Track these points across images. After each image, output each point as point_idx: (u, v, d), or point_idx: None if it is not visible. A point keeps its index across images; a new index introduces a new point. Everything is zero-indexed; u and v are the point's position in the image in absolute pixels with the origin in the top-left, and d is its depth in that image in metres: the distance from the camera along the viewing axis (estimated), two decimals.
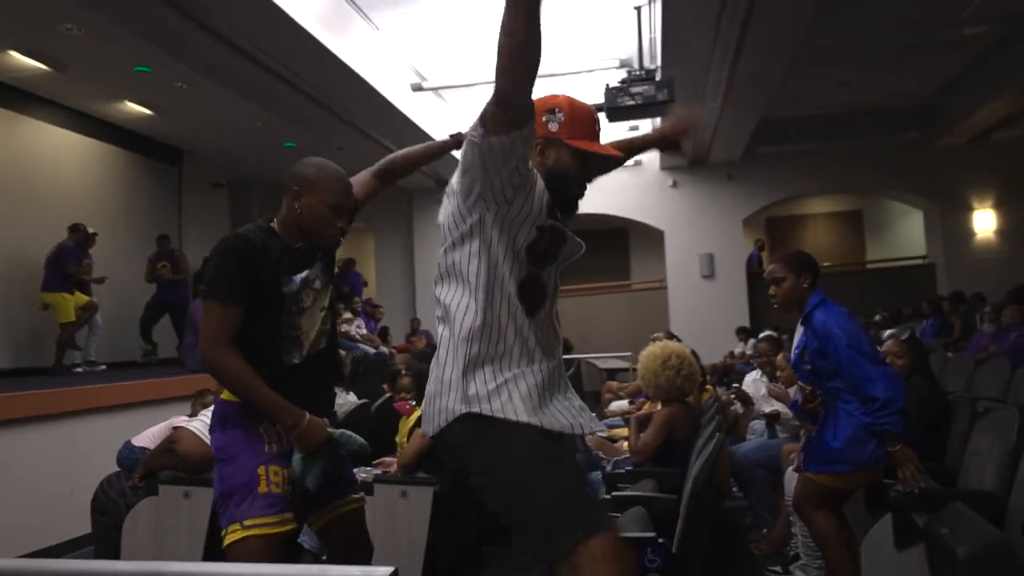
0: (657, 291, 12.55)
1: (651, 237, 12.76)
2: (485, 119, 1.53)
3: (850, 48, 8.24)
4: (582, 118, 1.71)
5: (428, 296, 12.16)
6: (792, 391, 3.63)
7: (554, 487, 1.54)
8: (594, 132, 1.73)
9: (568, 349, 10.16)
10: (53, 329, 7.31)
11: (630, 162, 11.87)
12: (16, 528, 4.14)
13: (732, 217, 11.94)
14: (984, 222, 11.51)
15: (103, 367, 7.49)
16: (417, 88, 8.40)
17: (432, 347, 7.74)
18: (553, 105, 1.70)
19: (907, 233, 13.73)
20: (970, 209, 11.54)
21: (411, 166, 2.48)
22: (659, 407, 3.33)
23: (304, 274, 2.03)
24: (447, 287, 1.69)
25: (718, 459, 2.35)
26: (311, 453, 1.96)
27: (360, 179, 2.31)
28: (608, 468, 3.26)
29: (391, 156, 2.46)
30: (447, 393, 1.63)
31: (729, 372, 9.35)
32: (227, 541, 1.91)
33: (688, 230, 11.93)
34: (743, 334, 10.10)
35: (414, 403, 4.00)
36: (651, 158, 11.82)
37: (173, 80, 7.53)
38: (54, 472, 4.52)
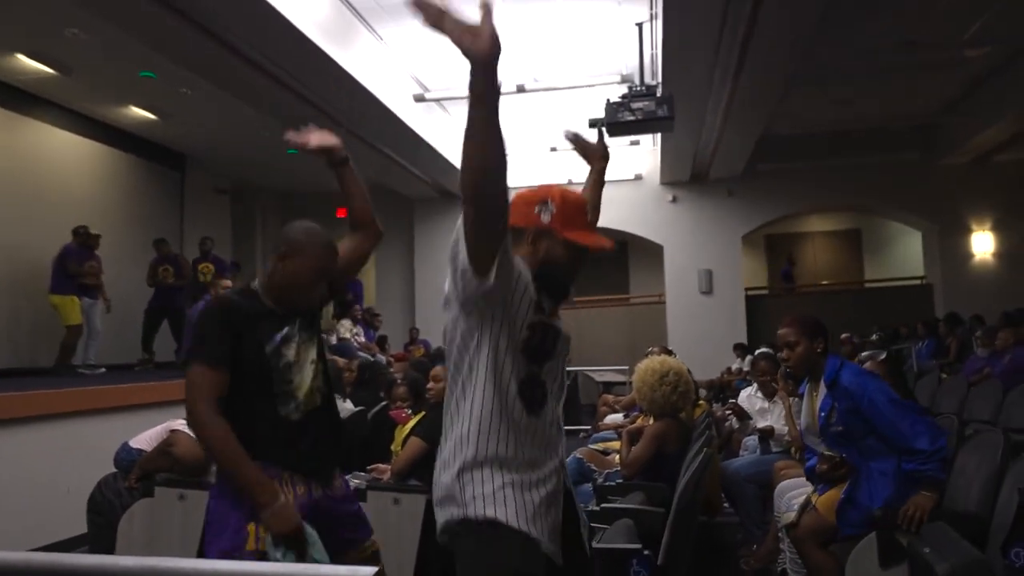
0: (655, 305, 12.59)
1: (650, 251, 12.81)
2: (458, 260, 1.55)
3: (851, 66, 8.32)
4: (574, 209, 1.71)
5: (427, 305, 12.22)
6: (796, 404, 3.64)
7: None
8: (586, 222, 1.73)
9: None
10: (54, 330, 7.34)
11: (630, 175, 12.01)
12: (12, 527, 4.16)
13: (731, 233, 11.99)
14: (982, 244, 11.55)
15: (102, 370, 7.52)
16: (419, 99, 8.47)
17: (429, 356, 7.73)
18: (545, 196, 1.71)
19: (905, 253, 13.77)
20: (969, 231, 11.58)
21: (358, 206, 2.35)
22: (651, 421, 3.37)
23: (284, 331, 2.06)
24: (455, 387, 1.70)
25: (704, 474, 2.38)
26: (278, 537, 1.91)
27: (342, 245, 2.28)
28: (599, 480, 3.29)
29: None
30: (448, 499, 1.66)
31: (725, 388, 9.38)
32: None
33: (687, 245, 11.98)
34: (740, 350, 10.13)
35: (410, 411, 4.04)
36: (652, 172, 11.90)
37: (178, 86, 7.61)
38: (51, 472, 4.54)
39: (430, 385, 3.79)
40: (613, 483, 3.05)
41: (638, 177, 12.01)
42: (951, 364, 8.04)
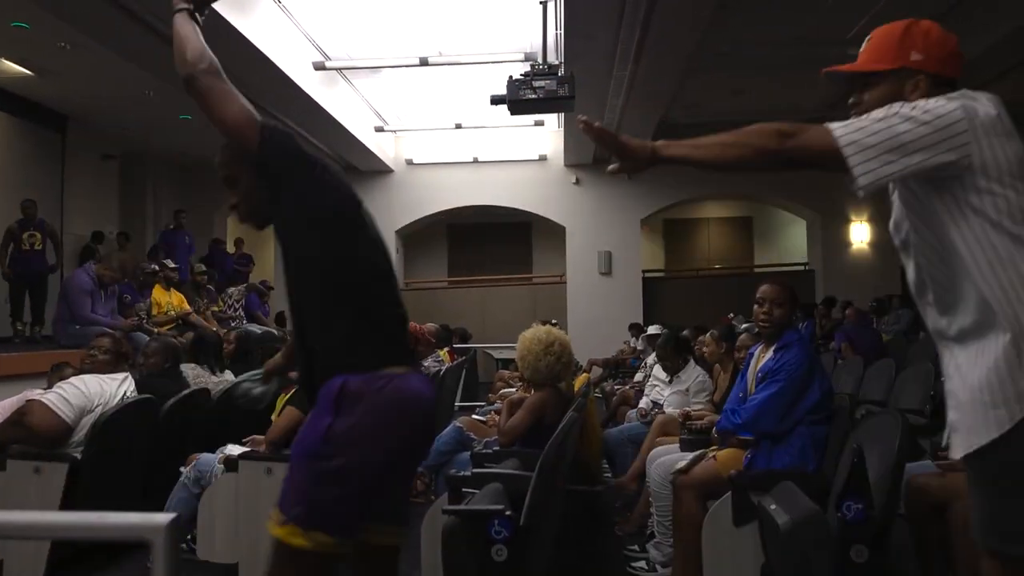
0: (557, 285, 12.78)
1: (553, 232, 12.97)
2: None
3: (747, 57, 8.59)
4: None
5: None
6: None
7: None
8: None
9: (466, 338, 10.21)
10: None
11: (534, 156, 12.04)
12: None
13: (631, 217, 12.27)
14: (860, 234, 12.33)
15: None
16: (319, 67, 8.23)
17: None
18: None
19: (791, 240, 14.47)
20: (848, 221, 12.33)
21: None
22: (532, 391, 3.41)
23: None
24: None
25: (569, 436, 2.44)
26: None
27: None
28: (477, 448, 3.32)
29: None
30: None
31: (620, 365, 9.63)
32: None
33: (589, 227, 12.18)
34: (635, 330, 10.41)
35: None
36: (556, 154, 12.01)
37: (55, 39, 7.06)
38: None
39: None
40: (490, 451, 3.08)
41: (542, 158, 12.11)
42: (824, 344, 8.53)
